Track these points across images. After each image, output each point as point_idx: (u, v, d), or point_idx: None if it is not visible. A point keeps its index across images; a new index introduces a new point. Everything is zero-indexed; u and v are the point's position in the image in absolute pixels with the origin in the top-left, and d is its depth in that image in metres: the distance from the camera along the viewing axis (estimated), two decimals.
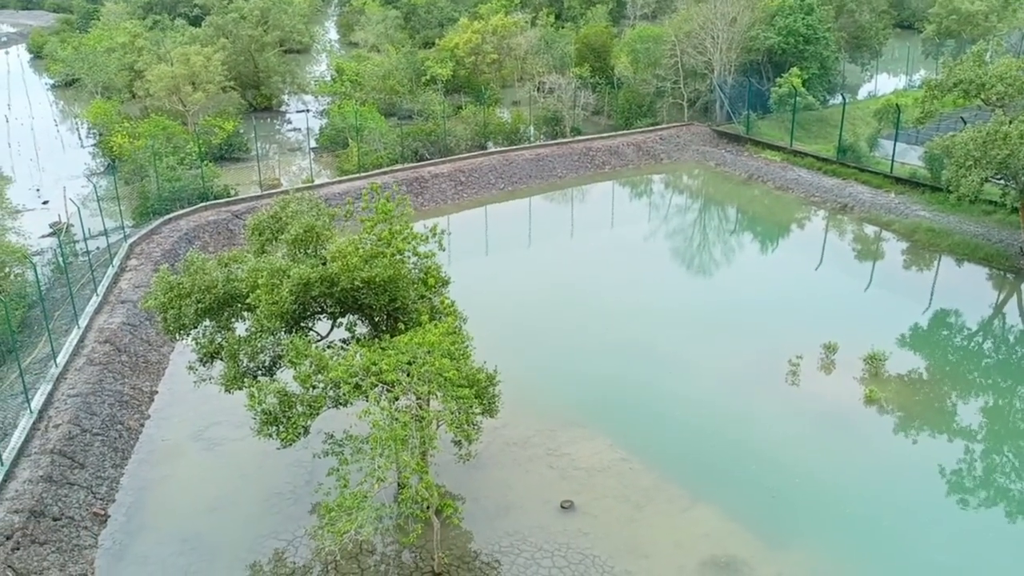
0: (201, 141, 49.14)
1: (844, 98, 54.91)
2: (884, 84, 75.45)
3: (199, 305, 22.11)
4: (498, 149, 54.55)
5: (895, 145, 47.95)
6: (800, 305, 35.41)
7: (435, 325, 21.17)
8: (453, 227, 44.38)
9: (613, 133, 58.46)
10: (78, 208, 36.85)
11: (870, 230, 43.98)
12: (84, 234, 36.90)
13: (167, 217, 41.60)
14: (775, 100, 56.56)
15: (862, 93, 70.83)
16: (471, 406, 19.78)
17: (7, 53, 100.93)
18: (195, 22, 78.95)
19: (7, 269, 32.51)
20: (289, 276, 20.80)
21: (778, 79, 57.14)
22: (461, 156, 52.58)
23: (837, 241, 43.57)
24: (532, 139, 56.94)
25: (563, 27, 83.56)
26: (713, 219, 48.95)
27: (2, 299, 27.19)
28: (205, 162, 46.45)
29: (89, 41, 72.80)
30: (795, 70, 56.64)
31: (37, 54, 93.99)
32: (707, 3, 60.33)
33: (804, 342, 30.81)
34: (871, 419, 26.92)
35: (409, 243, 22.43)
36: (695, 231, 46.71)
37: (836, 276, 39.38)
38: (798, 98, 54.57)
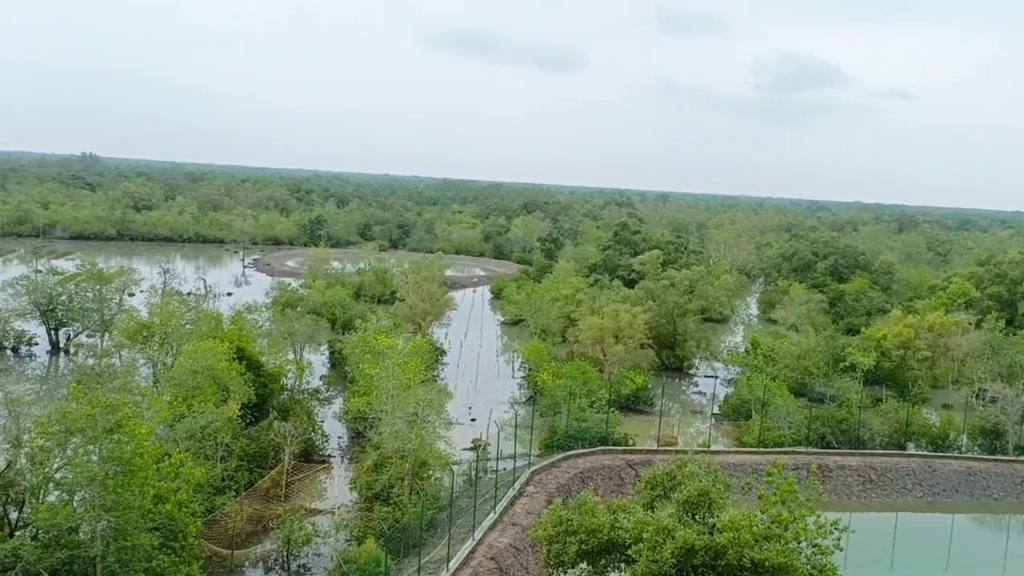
0: (612, 389, 52.40)
1: None
2: None
3: (582, 546, 22.58)
4: (919, 452, 49.11)
5: None
6: None
7: None
8: (855, 528, 39.93)
9: None
10: (498, 430, 41.11)
11: None
12: (497, 454, 40.75)
13: (568, 453, 44.18)
14: None
15: None
16: None
17: (475, 292, 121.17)
18: (629, 284, 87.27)
19: (431, 472, 36.94)
20: (674, 538, 20.37)
21: None
22: (874, 452, 48.34)
23: None
24: (963, 449, 50.34)
25: (1015, 333, 75.31)
26: None
27: (422, 496, 30.67)
28: (612, 409, 49.18)
29: (539, 290, 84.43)
30: None
31: (496, 295, 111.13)
32: None
33: None
34: None
35: (808, 533, 20.70)
36: None
37: None
38: None
